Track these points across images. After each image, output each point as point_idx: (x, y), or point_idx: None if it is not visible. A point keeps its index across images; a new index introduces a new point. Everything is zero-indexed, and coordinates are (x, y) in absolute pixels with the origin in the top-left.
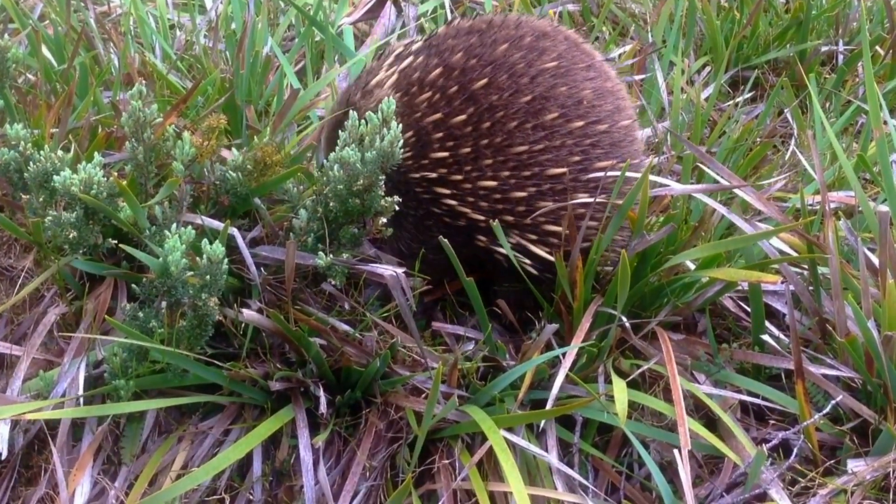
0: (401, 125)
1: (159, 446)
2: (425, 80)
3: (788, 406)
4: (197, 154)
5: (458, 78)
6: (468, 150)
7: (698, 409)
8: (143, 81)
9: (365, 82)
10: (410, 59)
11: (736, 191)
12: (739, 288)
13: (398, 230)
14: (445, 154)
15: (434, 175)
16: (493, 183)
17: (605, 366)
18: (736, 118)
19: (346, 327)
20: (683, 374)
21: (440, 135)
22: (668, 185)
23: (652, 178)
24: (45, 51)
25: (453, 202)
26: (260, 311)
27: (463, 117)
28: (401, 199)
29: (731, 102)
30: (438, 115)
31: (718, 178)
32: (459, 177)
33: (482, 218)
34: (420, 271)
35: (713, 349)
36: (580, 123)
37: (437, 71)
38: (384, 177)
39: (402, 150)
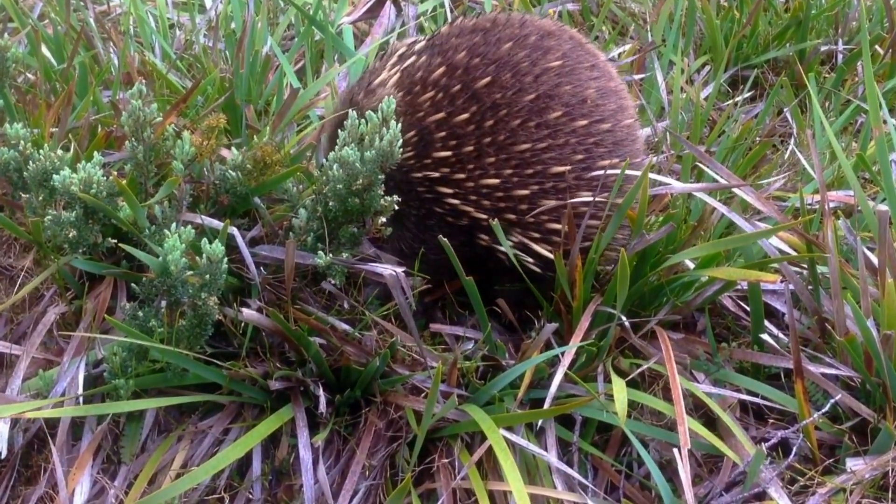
0: (403, 124)
1: (159, 445)
2: (428, 79)
3: (787, 405)
4: (196, 153)
5: (462, 77)
6: (471, 148)
7: (697, 409)
8: (143, 81)
9: (368, 81)
10: (413, 58)
11: (735, 190)
12: (739, 287)
13: (399, 230)
14: (448, 153)
15: (437, 174)
16: (495, 181)
17: (604, 365)
18: (735, 117)
19: (345, 326)
20: (683, 373)
21: (443, 134)
22: (669, 184)
23: (652, 176)
24: (44, 50)
25: (456, 201)
26: (259, 310)
27: (466, 116)
28: (402, 199)
29: (730, 102)
30: (441, 115)
31: (717, 177)
32: (462, 175)
33: (484, 216)
34: (420, 271)
35: (712, 348)
36: (584, 122)
37: (441, 70)
38: (384, 176)
39: (404, 150)
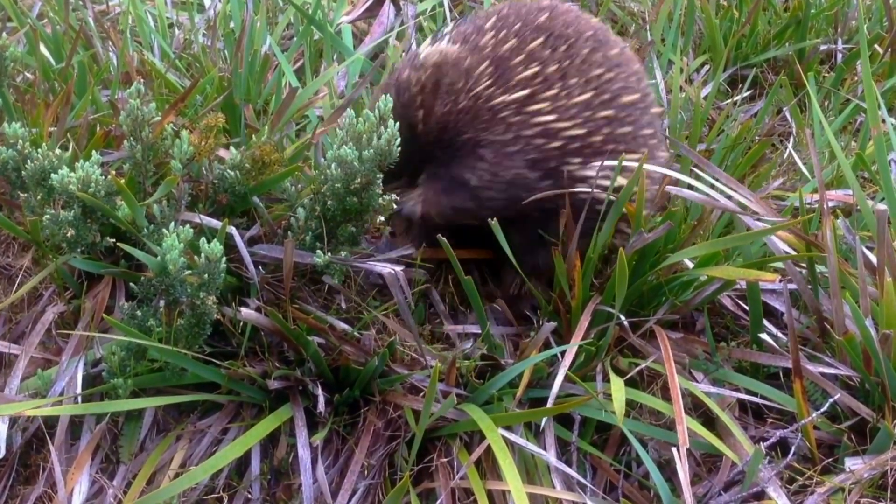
0: (471, 62)
1: (157, 445)
2: (484, 26)
3: (786, 404)
4: (195, 153)
5: (518, 17)
6: (554, 68)
7: (696, 408)
8: (142, 80)
9: (413, 56)
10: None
11: (733, 194)
12: (737, 286)
13: (473, 161)
14: (534, 70)
15: (526, 91)
16: (587, 96)
17: (603, 364)
18: (734, 117)
19: (344, 326)
20: (682, 372)
21: (521, 58)
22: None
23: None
24: (43, 49)
25: (550, 117)
26: (258, 309)
27: (540, 40)
28: (480, 127)
29: (729, 101)
30: (514, 41)
31: (714, 180)
32: (554, 91)
33: (583, 132)
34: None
35: (711, 347)
36: (638, 66)
37: (493, 18)
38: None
39: (479, 82)
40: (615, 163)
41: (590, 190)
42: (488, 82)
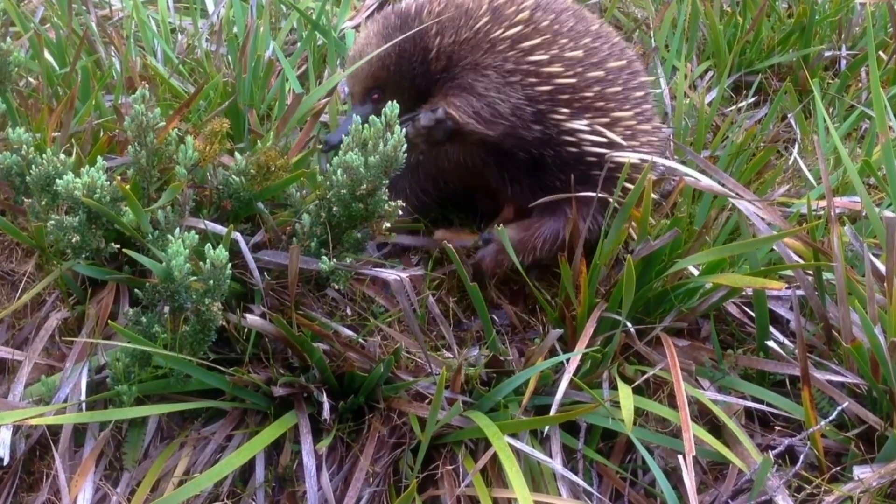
0: (470, 4)
1: (161, 452)
2: None
3: (793, 412)
4: (200, 158)
5: None
6: (547, 23)
7: (703, 415)
8: (146, 85)
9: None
10: None
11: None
12: (743, 293)
13: (479, 76)
14: (527, 14)
15: (519, 28)
16: (578, 53)
17: (609, 371)
18: (739, 123)
19: (349, 332)
20: (688, 379)
21: (514, 8)
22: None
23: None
24: (46, 54)
25: (543, 57)
26: (263, 315)
27: (530, 1)
28: (482, 57)
29: (734, 107)
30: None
31: (720, 185)
32: (548, 36)
33: (573, 81)
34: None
35: (718, 355)
36: (617, 39)
37: None
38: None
39: (480, 18)
40: (606, 119)
41: (576, 141)
42: (488, 17)
